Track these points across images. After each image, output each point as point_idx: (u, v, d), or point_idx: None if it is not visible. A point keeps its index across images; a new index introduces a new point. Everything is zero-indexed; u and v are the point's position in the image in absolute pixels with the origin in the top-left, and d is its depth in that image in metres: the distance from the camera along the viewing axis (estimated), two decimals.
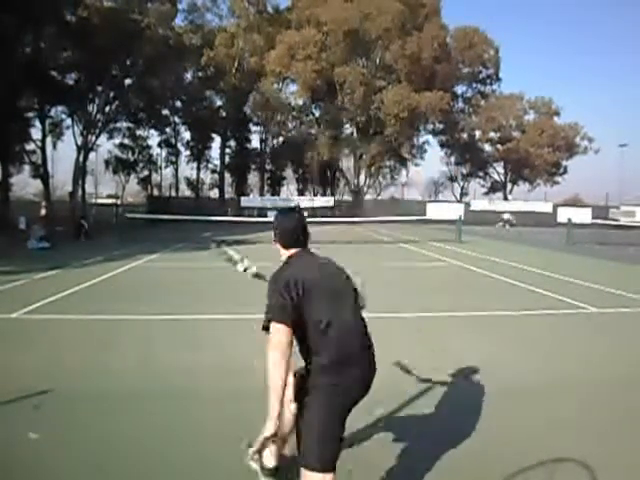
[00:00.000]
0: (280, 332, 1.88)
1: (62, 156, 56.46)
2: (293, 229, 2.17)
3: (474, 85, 46.04)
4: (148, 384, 3.88)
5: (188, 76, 39.34)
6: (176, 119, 42.24)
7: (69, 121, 31.71)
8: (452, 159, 48.78)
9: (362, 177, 40.94)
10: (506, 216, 31.41)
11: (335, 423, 1.93)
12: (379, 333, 5.48)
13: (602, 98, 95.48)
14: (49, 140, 31.26)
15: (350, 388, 1.96)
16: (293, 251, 2.16)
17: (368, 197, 42.38)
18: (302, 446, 1.97)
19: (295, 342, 1.95)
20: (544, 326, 5.95)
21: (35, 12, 21.92)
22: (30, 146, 29.35)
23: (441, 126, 42.14)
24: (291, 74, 36.49)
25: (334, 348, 1.93)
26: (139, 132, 41.03)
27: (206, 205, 36.44)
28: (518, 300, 7.42)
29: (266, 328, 1.94)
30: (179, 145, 43.74)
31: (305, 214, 2.32)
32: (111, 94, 31.06)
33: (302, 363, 2.04)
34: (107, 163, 42.28)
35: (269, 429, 1.88)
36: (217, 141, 42.89)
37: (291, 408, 2.06)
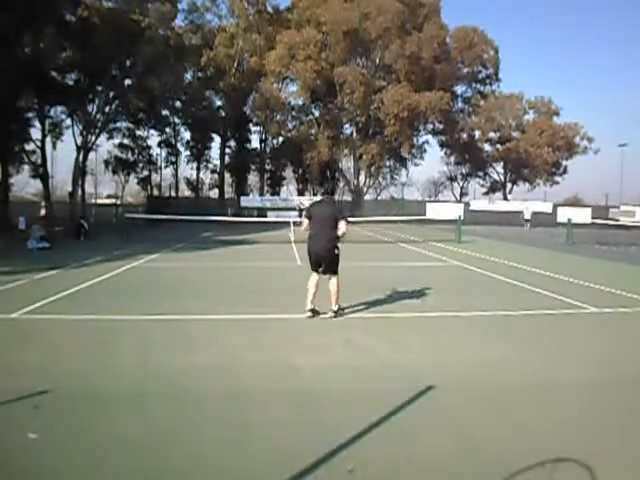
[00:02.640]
0: (305, 221, 6.22)
1: (62, 156, 56.46)
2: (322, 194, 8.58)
3: (474, 85, 45.99)
4: (147, 384, 3.88)
5: (188, 76, 39.31)
6: (176, 119, 42.22)
7: (69, 121, 31.72)
8: (452, 159, 48.75)
9: (362, 177, 40.95)
10: (527, 216, 31.30)
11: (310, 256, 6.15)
12: (378, 333, 5.49)
13: (602, 98, 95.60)
14: (49, 140, 31.26)
15: (310, 246, 6.12)
16: (319, 198, 8.34)
17: (368, 197, 42.38)
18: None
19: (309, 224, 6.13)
20: (544, 326, 5.95)
21: (35, 12, 21.90)
22: (30, 146, 29.35)
23: (441, 126, 42.07)
24: (291, 74, 36.50)
25: (311, 232, 6.13)
26: (139, 132, 40.97)
27: (206, 205, 36.42)
28: (518, 300, 7.43)
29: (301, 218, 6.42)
30: (179, 145, 43.74)
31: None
32: (111, 94, 31.03)
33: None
34: (107, 163, 42.21)
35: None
36: (217, 141, 42.94)
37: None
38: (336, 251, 5.94)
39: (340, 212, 6.14)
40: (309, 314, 5.95)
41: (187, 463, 2.70)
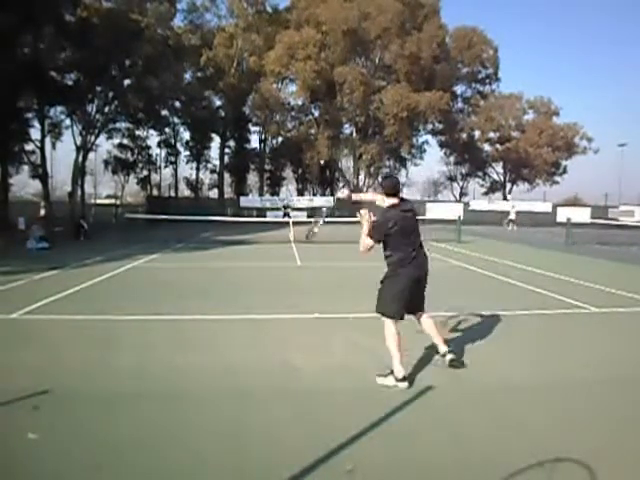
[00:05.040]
0: (370, 241, 3.87)
1: (61, 156, 56.38)
2: (393, 186, 3.97)
3: (473, 85, 46.02)
4: (147, 384, 3.88)
5: (187, 76, 39.33)
6: (175, 119, 42.22)
7: (68, 121, 31.76)
8: (451, 159, 48.79)
9: (361, 177, 40.96)
10: (513, 216, 31.14)
11: (404, 292, 3.87)
12: (378, 333, 5.50)
13: (601, 98, 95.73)
14: (48, 140, 31.29)
15: (409, 274, 3.89)
16: (392, 200, 3.91)
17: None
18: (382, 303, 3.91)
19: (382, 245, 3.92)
20: (544, 326, 5.96)
21: (34, 12, 21.90)
22: (29, 146, 29.38)
23: (440, 126, 42.08)
24: (290, 74, 36.51)
25: (402, 254, 3.87)
26: (138, 132, 41.00)
27: (205, 205, 36.43)
28: (517, 300, 7.43)
29: (370, 237, 3.90)
30: (178, 145, 43.77)
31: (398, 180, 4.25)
32: (110, 94, 31.04)
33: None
34: (106, 163, 42.25)
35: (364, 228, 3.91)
36: (216, 141, 42.93)
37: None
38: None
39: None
40: (405, 385, 3.76)
41: (187, 463, 2.70)
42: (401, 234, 3.83)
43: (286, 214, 31.81)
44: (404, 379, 3.75)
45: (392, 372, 3.80)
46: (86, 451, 2.81)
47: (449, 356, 4.15)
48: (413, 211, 4.03)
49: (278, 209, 34.25)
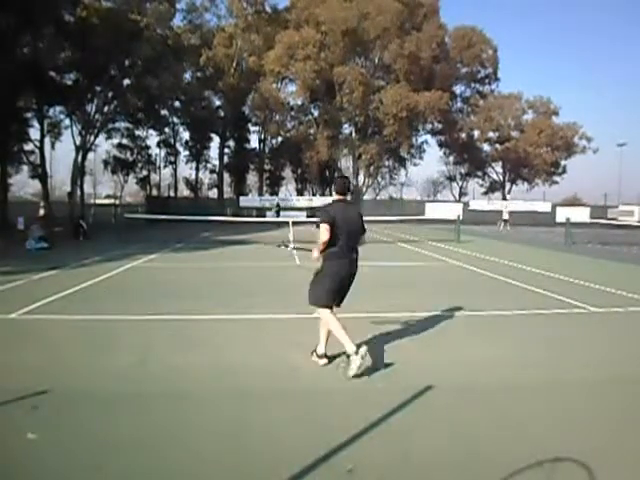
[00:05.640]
0: (324, 228, 4.06)
1: (61, 156, 56.39)
2: (340, 185, 4.45)
3: (472, 85, 46.09)
4: (147, 384, 3.88)
5: (187, 76, 39.31)
6: (175, 119, 42.24)
7: (67, 121, 31.76)
8: (451, 159, 48.83)
9: (361, 177, 40.96)
10: (505, 216, 31.10)
11: (335, 283, 4.18)
12: (377, 333, 5.48)
13: (601, 98, 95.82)
14: (47, 140, 31.28)
15: (341, 267, 4.19)
16: (337, 197, 4.37)
17: (367, 197, 42.37)
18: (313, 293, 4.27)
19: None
20: (543, 326, 5.96)
21: (33, 12, 21.88)
22: (28, 146, 29.37)
23: (440, 126, 42.12)
24: (290, 74, 36.52)
25: (339, 248, 4.13)
26: (138, 132, 41.01)
27: (205, 205, 36.43)
28: (517, 300, 7.43)
29: (317, 225, 4.24)
30: (178, 145, 43.79)
31: (349, 181, 4.64)
32: (110, 94, 31.02)
33: None
34: (106, 163, 42.24)
35: (314, 255, 4.18)
36: (216, 141, 42.94)
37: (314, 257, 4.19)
38: None
39: (362, 218, 4.44)
40: (324, 361, 4.32)
41: (187, 463, 2.69)
42: (340, 226, 4.09)
43: (277, 212, 32.03)
44: (326, 356, 4.33)
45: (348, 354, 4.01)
46: (86, 451, 2.81)
47: (314, 357, 4.40)
48: (357, 211, 4.43)
49: (286, 209, 34.35)
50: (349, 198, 4.63)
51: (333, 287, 4.15)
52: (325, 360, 4.33)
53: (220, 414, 3.33)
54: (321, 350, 4.34)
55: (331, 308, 4.20)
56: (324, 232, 4.05)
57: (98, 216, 31.82)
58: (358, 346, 3.96)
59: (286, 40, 34.83)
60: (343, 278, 4.19)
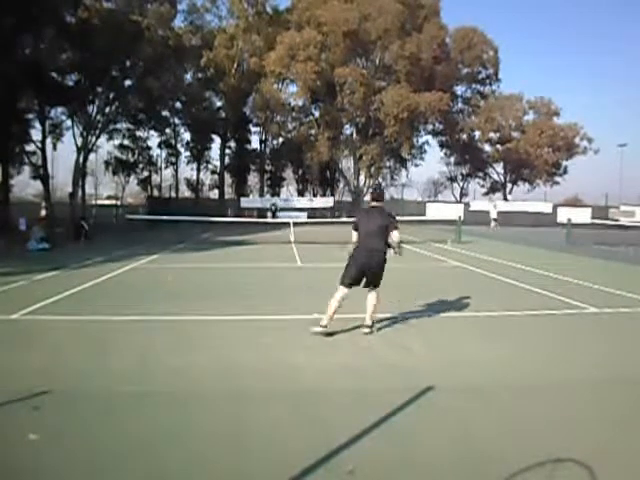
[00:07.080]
0: (354, 233, 5.37)
1: (62, 157, 56.55)
2: (371, 194, 5.80)
3: (473, 85, 45.97)
4: (147, 385, 3.88)
5: (188, 77, 39.33)
6: (176, 120, 42.22)
7: (69, 122, 31.79)
8: (452, 159, 48.77)
9: (362, 178, 40.91)
10: (493, 215, 31.07)
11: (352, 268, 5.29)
12: (377, 334, 5.49)
13: (602, 98, 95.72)
14: (49, 141, 31.32)
15: (361, 260, 5.25)
16: (372, 204, 5.55)
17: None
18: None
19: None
20: (544, 326, 5.95)
21: (34, 13, 21.93)
22: (30, 147, 29.42)
23: (441, 126, 42.07)
24: (291, 75, 36.46)
25: (360, 244, 5.29)
26: (139, 133, 41.04)
27: (206, 206, 36.44)
28: (518, 300, 7.43)
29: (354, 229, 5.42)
30: (179, 146, 43.74)
31: (382, 191, 6.02)
32: (111, 95, 31.06)
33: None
34: (107, 164, 42.30)
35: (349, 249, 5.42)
36: (217, 142, 42.90)
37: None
38: (385, 264, 5.43)
39: (392, 221, 5.34)
40: (321, 329, 5.22)
41: (187, 463, 2.70)
42: (361, 229, 5.32)
43: (274, 213, 32.09)
44: (325, 329, 5.20)
45: (370, 326, 5.45)
46: (86, 451, 2.81)
47: (365, 330, 5.42)
48: (382, 215, 5.37)
49: (287, 209, 34.39)
50: (377, 204, 5.52)
51: (351, 272, 5.26)
52: (320, 329, 5.18)
53: (220, 414, 3.33)
54: (324, 322, 5.23)
55: (349, 287, 5.26)
56: (353, 235, 5.40)
57: (99, 217, 31.85)
58: (328, 330, 5.19)
59: (287, 41, 34.81)
60: (361, 265, 5.23)
